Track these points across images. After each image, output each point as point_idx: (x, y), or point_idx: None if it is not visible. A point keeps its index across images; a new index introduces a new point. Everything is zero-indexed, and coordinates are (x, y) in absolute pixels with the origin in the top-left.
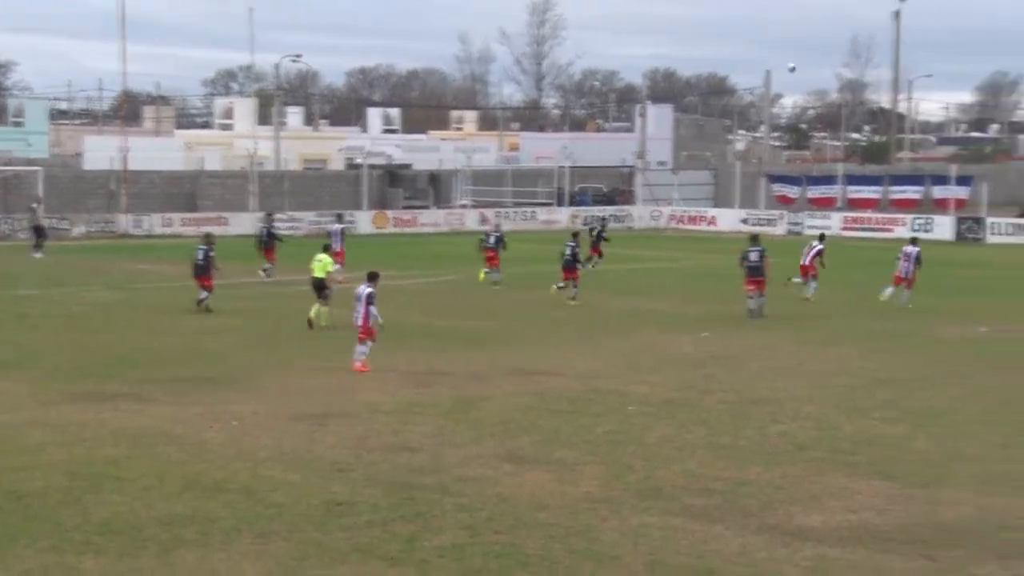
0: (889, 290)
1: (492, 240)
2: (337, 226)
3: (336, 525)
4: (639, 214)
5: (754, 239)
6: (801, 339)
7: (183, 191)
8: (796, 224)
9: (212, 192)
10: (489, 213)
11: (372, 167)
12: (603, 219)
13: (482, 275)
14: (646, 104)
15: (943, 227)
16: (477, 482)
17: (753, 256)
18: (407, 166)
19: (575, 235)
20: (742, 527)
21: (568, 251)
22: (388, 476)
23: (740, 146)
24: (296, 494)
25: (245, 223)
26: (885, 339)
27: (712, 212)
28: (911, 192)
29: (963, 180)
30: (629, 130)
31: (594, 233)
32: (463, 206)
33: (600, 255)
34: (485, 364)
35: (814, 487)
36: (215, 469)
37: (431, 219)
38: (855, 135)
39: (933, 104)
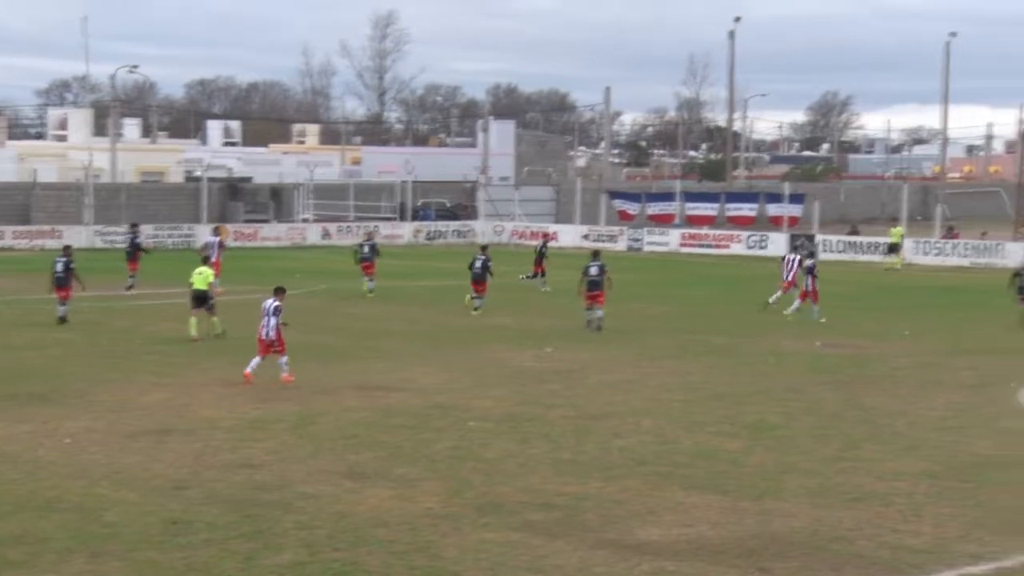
0: (796, 303)
1: (367, 249)
2: (213, 238)
3: (173, 544)
4: (482, 229)
5: (595, 254)
6: (642, 354)
7: (15, 203)
8: (636, 240)
9: (46, 204)
10: (369, 225)
11: (212, 180)
12: (546, 235)
13: (365, 286)
14: (488, 120)
15: (777, 244)
16: (317, 499)
17: (593, 271)
18: (248, 179)
19: (484, 248)
20: (582, 542)
21: (479, 264)
22: (227, 493)
23: (581, 162)
24: (132, 513)
25: (80, 236)
26: (724, 354)
27: (554, 228)
28: (746, 209)
29: (796, 198)
30: (472, 145)
31: (538, 250)
32: (305, 220)
33: (543, 273)
34: (330, 378)
35: (653, 501)
36: (47, 488)
37: (272, 233)
38: (693, 153)
39: (767, 123)
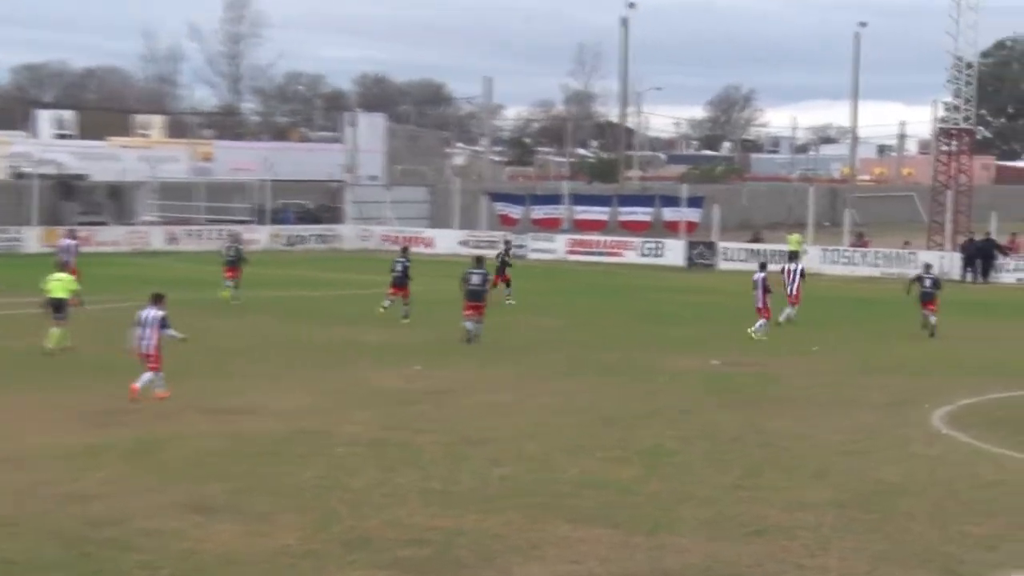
0: (787, 311)
1: (232, 253)
2: (68, 241)
3: None
4: (348, 234)
5: (478, 261)
6: (525, 372)
7: None
8: (520, 247)
9: None
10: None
11: (42, 177)
12: (507, 240)
13: (226, 293)
14: (356, 112)
15: (674, 252)
16: (162, 535)
17: (475, 279)
18: (83, 177)
19: (405, 250)
20: None
21: (399, 267)
22: (61, 530)
23: (459, 161)
24: None
25: None
26: (615, 373)
27: (429, 233)
28: (640, 214)
29: (694, 201)
30: (337, 141)
31: (498, 257)
32: (148, 222)
33: (508, 283)
34: (174, 401)
35: (535, 535)
36: None
37: (110, 237)
38: (582, 151)
39: (664, 119)
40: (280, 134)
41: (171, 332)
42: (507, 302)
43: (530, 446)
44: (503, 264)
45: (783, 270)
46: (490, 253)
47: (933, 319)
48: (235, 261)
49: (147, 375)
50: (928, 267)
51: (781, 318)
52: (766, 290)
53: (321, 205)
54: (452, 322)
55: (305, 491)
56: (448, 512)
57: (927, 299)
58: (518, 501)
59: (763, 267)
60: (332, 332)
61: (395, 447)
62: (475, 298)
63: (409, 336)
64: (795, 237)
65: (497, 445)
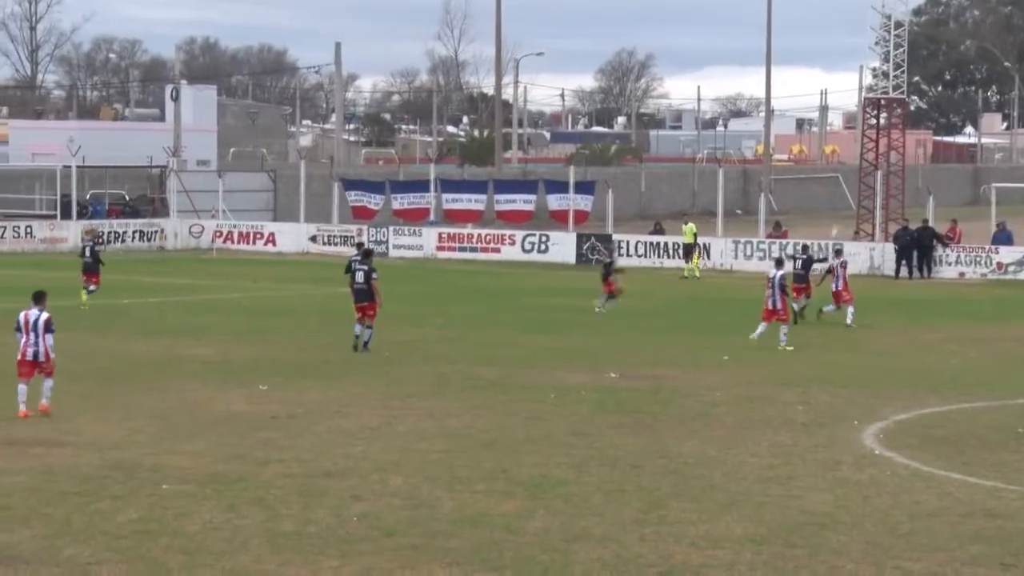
0: (830, 308)
1: (88, 254)
2: None
3: None
4: (174, 230)
5: (366, 254)
6: (389, 391)
7: None
8: (380, 243)
9: None
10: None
11: None
12: (610, 250)
13: (84, 297)
14: (180, 85)
15: (562, 246)
16: None
17: (358, 277)
18: None
19: (367, 254)
20: None
21: (360, 276)
22: None
23: (305, 141)
24: None
25: None
26: (494, 390)
27: (271, 227)
28: (521, 202)
29: (584, 187)
30: (159, 119)
31: (602, 266)
32: None
33: (613, 294)
34: None
35: None
36: None
37: None
38: (452, 128)
39: (547, 90)
40: (90, 112)
41: (51, 339)
42: (603, 308)
43: (396, 478)
44: (608, 271)
45: (830, 270)
46: (345, 252)
47: (797, 305)
48: (93, 266)
49: (48, 383)
50: (805, 247)
51: (848, 320)
52: (784, 291)
53: (141, 196)
54: (301, 334)
55: (127, 537)
56: (301, 558)
57: (796, 281)
58: (383, 543)
59: (780, 264)
60: (158, 346)
61: (235, 482)
62: (362, 297)
63: (252, 350)
64: (690, 228)
65: (358, 477)
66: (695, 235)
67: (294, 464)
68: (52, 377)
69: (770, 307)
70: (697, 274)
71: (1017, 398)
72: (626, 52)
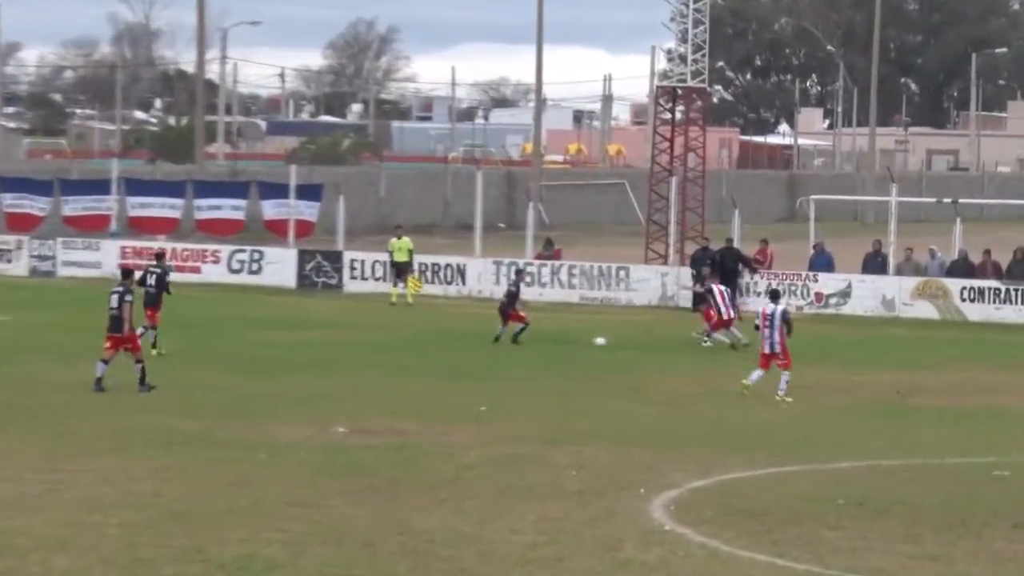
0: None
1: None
2: None
3: None
4: None
5: (125, 275)
6: (57, 448)
7: None
8: (46, 259)
9: None
10: None
11: None
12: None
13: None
14: None
15: (280, 266)
16: None
17: (113, 300)
18: None
19: (159, 256)
20: None
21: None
22: None
23: None
24: None
25: None
26: (190, 447)
27: None
28: (229, 210)
29: (309, 191)
30: None
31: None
32: None
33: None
34: None
35: None
36: None
37: None
38: (141, 114)
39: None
40: None
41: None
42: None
43: (62, 559)
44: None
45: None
46: (3, 270)
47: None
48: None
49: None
50: (519, 273)
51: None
52: (788, 329)
53: None
54: None
55: None
56: None
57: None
58: None
59: (776, 296)
60: None
61: None
62: (113, 327)
63: None
64: (404, 242)
65: (14, 558)
66: (411, 252)
67: None
68: None
69: (767, 350)
70: (410, 300)
71: (837, 460)
72: (363, 23)
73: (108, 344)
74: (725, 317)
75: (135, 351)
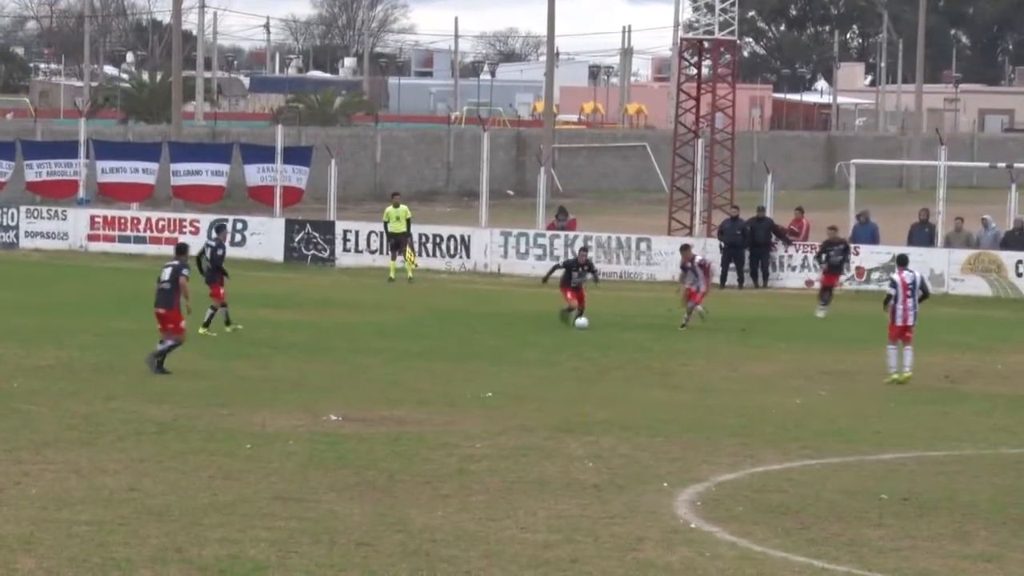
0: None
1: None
2: None
3: None
4: None
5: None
6: (20, 438)
7: None
8: (8, 229)
9: None
10: None
11: None
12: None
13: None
14: None
15: (267, 238)
16: None
17: (167, 272)
18: None
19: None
20: None
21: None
22: None
23: None
24: None
25: None
26: (165, 436)
27: None
28: (209, 175)
29: (297, 154)
30: None
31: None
32: None
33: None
34: None
35: None
36: None
37: None
38: (112, 69)
39: (246, 19)
40: None
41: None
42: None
43: (27, 560)
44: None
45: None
46: None
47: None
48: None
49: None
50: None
51: None
52: (924, 296)
53: None
54: None
55: None
56: None
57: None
58: None
59: (904, 262)
60: None
61: None
62: (161, 301)
63: None
64: (402, 210)
65: None
66: (409, 221)
67: None
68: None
69: (908, 322)
70: (410, 274)
71: (880, 452)
72: None
73: (158, 322)
74: (702, 290)
75: (176, 332)
